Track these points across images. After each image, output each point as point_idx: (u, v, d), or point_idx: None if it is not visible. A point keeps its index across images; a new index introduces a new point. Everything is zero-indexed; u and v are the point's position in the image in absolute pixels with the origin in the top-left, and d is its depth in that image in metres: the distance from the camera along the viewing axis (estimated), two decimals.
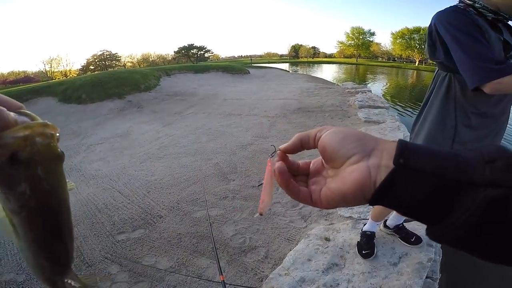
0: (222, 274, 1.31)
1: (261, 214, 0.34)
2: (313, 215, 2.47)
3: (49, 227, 0.33)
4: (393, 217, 1.95)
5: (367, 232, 1.86)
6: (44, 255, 0.36)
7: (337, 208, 2.47)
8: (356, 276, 1.70)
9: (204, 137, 4.73)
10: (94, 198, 2.90)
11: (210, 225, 1.75)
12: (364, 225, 1.94)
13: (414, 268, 1.70)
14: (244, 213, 2.53)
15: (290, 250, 2.02)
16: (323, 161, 0.35)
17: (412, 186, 0.26)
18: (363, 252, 1.81)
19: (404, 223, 1.96)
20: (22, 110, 0.31)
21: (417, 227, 2.03)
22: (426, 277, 1.68)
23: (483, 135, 1.21)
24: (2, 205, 0.31)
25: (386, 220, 2.02)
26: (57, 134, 0.31)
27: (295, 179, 0.36)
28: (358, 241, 1.91)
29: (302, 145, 0.35)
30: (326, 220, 2.40)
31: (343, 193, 0.30)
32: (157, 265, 1.98)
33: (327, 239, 2.06)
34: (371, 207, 1.89)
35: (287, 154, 0.37)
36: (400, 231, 1.95)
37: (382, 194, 0.27)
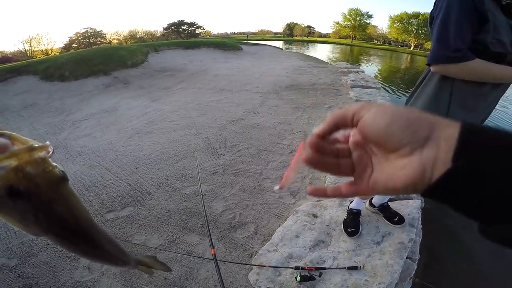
0: (213, 248, 1.28)
1: (281, 188, 0.35)
2: (301, 191, 2.46)
3: (77, 242, 0.34)
4: (380, 196, 1.95)
5: (353, 210, 1.87)
6: (94, 258, 0.40)
7: (325, 185, 2.47)
8: (341, 254, 1.73)
9: (194, 112, 4.62)
10: (81, 176, 2.82)
11: (202, 197, 1.70)
12: (351, 202, 1.93)
13: (396, 248, 1.73)
14: (234, 188, 2.50)
15: (279, 226, 2.02)
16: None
17: (473, 191, 0.21)
18: (349, 230, 1.83)
19: (388, 202, 1.98)
20: None
21: (401, 207, 2.07)
22: (406, 258, 1.72)
23: (474, 117, 1.17)
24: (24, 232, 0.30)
25: (372, 198, 2.03)
26: (50, 152, 0.29)
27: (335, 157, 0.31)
28: (344, 219, 1.92)
29: (337, 127, 0.30)
30: (314, 196, 2.39)
31: (392, 189, 0.26)
32: (147, 243, 1.95)
33: (315, 216, 2.07)
34: None
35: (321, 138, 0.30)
36: (385, 210, 1.97)
37: (436, 193, 0.23)
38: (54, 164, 0.30)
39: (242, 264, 1.75)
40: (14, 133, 0.30)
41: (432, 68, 1.12)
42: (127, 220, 2.17)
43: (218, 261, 1.74)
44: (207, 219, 1.48)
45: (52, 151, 0.30)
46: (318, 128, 0.30)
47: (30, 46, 43.55)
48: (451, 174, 0.21)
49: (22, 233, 2.05)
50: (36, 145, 0.29)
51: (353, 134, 0.31)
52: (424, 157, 0.23)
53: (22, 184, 0.26)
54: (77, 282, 1.68)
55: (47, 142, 0.31)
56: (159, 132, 3.80)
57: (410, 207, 2.08)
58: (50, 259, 1.85)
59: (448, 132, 0.23)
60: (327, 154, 0.31)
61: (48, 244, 1.96)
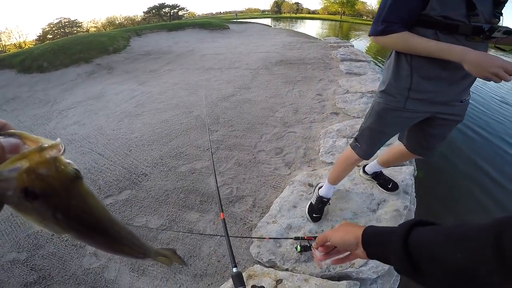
0: (222, 212, 1.26)
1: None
2: (296, 162, 2.47)
3: (98, 238, 0.35)
4: (372, 165, 1.95)
5: (323, 199, 1.76)
6: (116, 252, 0.41)
7: (319, 154, 2.47)
8: (339, 222, 1.73)
9: (183, 91, 4.52)
10: (75, 164, 2.74)
11: (212, 153, 1.68)
12: (320, 188, 1.81)
13: (391, 216, 1.75)
14: (229, 163, 2.49)
15: (276, 197, 2.03)
16: None
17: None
18: (314, 215, 1.76)
19: (382, 170, 1.97)
20: (6, 131, 0.29)
21: (394, 173, 2.07)
22: None
23: (443, 87, 1.13)
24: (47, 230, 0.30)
25: (365, 166, 2.03)
26: (61, 150, 0.29)
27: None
28: (311, 203, 1.83)
29: (323, 243, 0.65)
30: (309, 166, 2.40)
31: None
32: (148, 224, 1.95)
33: (311, 185, 2.08)
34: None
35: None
36: (378, 177, 1.97)
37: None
38: (67, 161, 0.29)
39: (242, 237, 1.77)
40: (24, 132, 0.29)
41: (373, 41, 1.16)
42: (126, 204, 2.16)
43: (219, 235, 1.77)
44: (216, 180, 1.44)
45: (63, 148, 0.29)
46: (315, 246, 0.67)
47: (0, 40, 41.65)
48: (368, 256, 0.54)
49: (27, 226, 2.02)
50: (46, 145, 0.28)
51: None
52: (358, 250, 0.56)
53: (36, 186, 0.26)
54: (86, 270, 1.69)
55: (58, 140, 0.30)
56: (149, 114, 3.72)
57: (403, 173, 2.09)
58: (58, 249, 1.85)
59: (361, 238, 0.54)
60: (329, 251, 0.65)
61: (53, 234, 1.94)
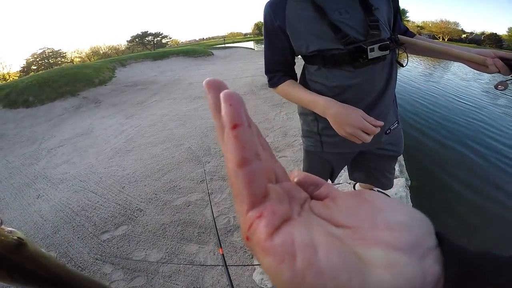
0: (221, 247, 1.32)
1: None
2: None
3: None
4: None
5: None
6: None
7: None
8: None
9: (172, 123, 4.60)
10: (68, 202, 2.76)
11: (209, 194, 1.74)
12: None
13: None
14: (224, 193, 2.55)
15: None
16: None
17: None
18: None
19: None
20: None
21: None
22: None
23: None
24: None
25: (355, 184, 1.98)
26: None
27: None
28: None
29: None
30: None
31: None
32: (148, 258, 1.97)
33: None
34: (348, 180, 1.89)
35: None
36: None
37: None
38: (9, 231, 0.34)
39: (245, 265, 1.80)
40: None
41: None
42: (124, 239, 2.17)
43: (220, 265, 1.80)
44: (214, 217, 1.51)
45: (1, 221, 0.34)
46: None
47: None
48: None
49: None
50: None
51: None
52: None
53: None
54: None
55: None
56: (140, 149, 3.77)
57: (395, 186, 2.06)
58: None
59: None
60: None
61: None
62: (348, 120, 0.80)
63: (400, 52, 0.97)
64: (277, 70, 1.04)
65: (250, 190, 0.17)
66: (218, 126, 0.19)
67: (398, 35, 0.94)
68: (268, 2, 0.94)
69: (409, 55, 0.99)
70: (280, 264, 0.15)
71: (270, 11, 0.93)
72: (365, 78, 0.88)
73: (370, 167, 1.22)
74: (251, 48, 21.46)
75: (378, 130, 0.81)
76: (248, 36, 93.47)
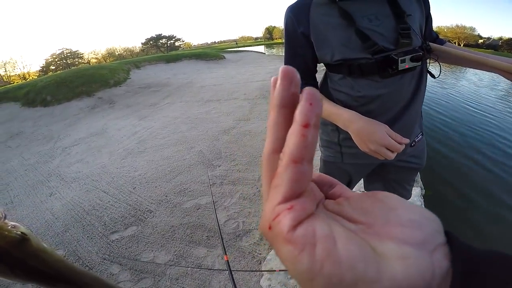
0: (226, 254, 1.31)
1: None
2: None
3: (60, 286, 0.39)
4: None
5: None
6: None
7: None
8: None
9: (184, 126, 4.64)
10: (80, 201, 2.81)
11: (213, 202, 1.74)
12: None
13: None
14: (233, 198, 2.54)
15: None
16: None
17: None
18: None
19: None
20: None
21: None
22: None
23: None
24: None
25: None
26: (1, 218, 0.33)
27: None
28: None
29: None
30: None
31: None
32: (156, 260, 1.97)
33: None
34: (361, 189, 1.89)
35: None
36: None
37: None
38: (12, 225, 0.34)
39: (252, 271, 1.78)
40: None
41: None
42: (133, 240, 2.18)
43: (227, 270, 1.79)
44: (219, 225, 1.51)
45: (4, 216, 0.34)
46: None
47: (5, 71, 42.58)
48: None
49: None
50: None
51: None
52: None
53: None
54: None
55: None
56: (152, 151, 3.81)
57: (411, 195, 2.11)
58: None
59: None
60: None
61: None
62: (372, 137, 0.76)
63: (431, 62, 0.90)
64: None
65: (292, 187, 0.17)
66: (275, 116, 0.19)
67: (430, 43, 0.88)
68: (290, 6, 0.89)
69: (441, 64, 0.93)
70: (301, 253, 0.16)
71: (292, 16, 0.87)
72: (392, 89, 0.83)
73: (390, 179, 1.16)
74: (262, 52, 21.58)
75: (403, 147, 0.76)
76: (259, 40, 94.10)
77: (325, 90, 0.97)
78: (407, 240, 0.17)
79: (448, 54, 0.89)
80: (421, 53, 0.78)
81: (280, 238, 0.17)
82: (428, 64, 0.90)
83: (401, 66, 0.76)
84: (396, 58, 0.76)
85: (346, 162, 1.05)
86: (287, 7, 0.90)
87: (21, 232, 0.34)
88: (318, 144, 1.04)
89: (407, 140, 0.77)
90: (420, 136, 1.02)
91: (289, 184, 0.17)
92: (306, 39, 0.87)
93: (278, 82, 0.18)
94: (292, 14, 0.88)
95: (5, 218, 0.33)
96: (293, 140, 0.17)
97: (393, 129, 0.80)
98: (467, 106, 6.34)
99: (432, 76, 0.91)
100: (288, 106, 0.18)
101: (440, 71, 0.94)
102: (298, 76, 0.18)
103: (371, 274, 0.15)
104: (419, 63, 0.79)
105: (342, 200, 0.21)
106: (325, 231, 0.16)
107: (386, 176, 1.15)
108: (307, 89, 0.17)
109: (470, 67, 0.93)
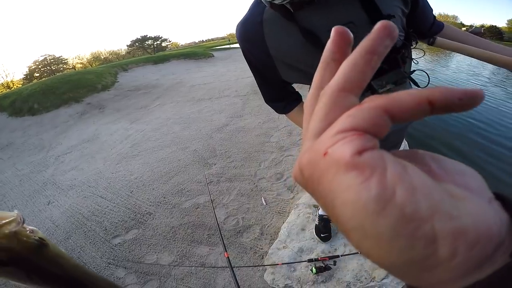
0: (226, 251, 1.33)
1: None
2: (298, 185, 2.55)
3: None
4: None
5: (323, 216, 1.82)
6: None
7: None
8: None
9: (177, 126, 4.63)
10: (78, 208, 2.80)
11: (211, 201, 1.77)
12: (319, 208, 1.87)
13: None
14: (231, 195, 2.57)
15: (283, 223, 2.09)
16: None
17: None
18: (322, 235, 1.79)
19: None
20: None
21: None
22: None
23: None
24: None
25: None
26: (20, 222, 0.33)
27: None
28: (316, 224, 1.88)
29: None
30: None
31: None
32: (160, 261, 1.99)
33: (316, 206, 2.12)
34: None
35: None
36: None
37: None
38: (31, 229, 0.34)
39: (255, 266, 1.81)
40: None
41: None
42: (135, 243, 2.20)
43: (230, 263, 1.82)
44: (218, 222, 1.53)
45: (22, 220, 0.33)
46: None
47: None
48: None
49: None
50: (4, 221, 0.32)
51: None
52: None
53: (3, 255, 0.30)
54: None
55: (15, 212, 0.34)
56: (146, 153, 3.80)
57: None
58: None
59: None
60: None
61: None
62: None
63: (414, 47, 0.82)
64: (279, 98, 0.92)
65: (372, 125, 0.15)
66: (323, 73, 0.18)
67: (438, 38, 0.84)
68: (240, 35, 0.76)
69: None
70: (368, 179, 0.13)
71: (249, 47, 0.77)
72: None
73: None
74: None
75: None
76: None
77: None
78: (467, 186, 0.15)
79: (451, 47, 0.86)
80: (405, 77, 0.70)
81: (341, 163, 0.14)
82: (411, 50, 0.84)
83: (383, 91, 0.67)
84: (375, 87, 0.66)
85: None
86: (235, 28, 0.78)
87: (39, 238, 0.34)
88: None
89: None
90: None
91: (370, 121, 0.15)
92: (271, 68, 0.78)
93: (332, 37, 0.18)
94: (247, 45, 0.77)
95: (23, 222, 0.33)
96: (359, 66, 0.16)
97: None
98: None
99: (417, 85, 0.83)
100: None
101: (429, 81, 0.81)
102: (351, 37, 0.18)
103: (448, 207, 0.13)
104: (404, 83, 0.72)
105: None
106: (394, 160, 0.14)
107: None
108: (380, 26, 0.16)
109: (473, 57, 0.88)
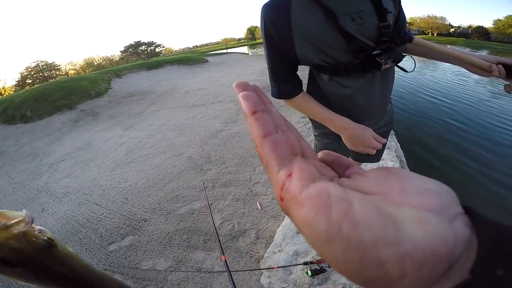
0: (224, 254, 1.35)
1: None
2: None
3: None
4: None
5: None
6: None
7: None
8: None
9: (171, 133, 4.64)
10: (73, 215, 2.80)
11: (209, 205, 1.78)
12: None
13: None
14: (226, 200, 2.59)
15: (278, 226, 2.11)
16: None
17: None
18: None
19: None
20: None
21: None
22: None
23: (365, 117, 1.03)
24: None
25: None
26: (28, 222, 0.32)
27: None
28: None
29: None
30: None
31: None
32: (156, 267, 2.00)
33: None
34: None
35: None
36: None
37: None
38: (39, 229, 0.34)
39: (251, 270, 1.83)
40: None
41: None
42: (131, 249, 2.21)
43: (227, 267, 1.83)
44: (215, 226, 1.55)
45: (31, 220, 0.32)
46: None
47: None
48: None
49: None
50: (13, 221, 0.31)
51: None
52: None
53: (11, 256, 0.30)
54: None
55: (23, 212, 0.33)
56: (141, 160, 3.81)
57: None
58: None
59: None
60: None
61: None
62: (362, 141, 0.91)
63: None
64: (286, 79, 0.96)
65: (276, 154, 0.18)
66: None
67: (415, 38, 0.99)
68: (267, 6, 0.84)
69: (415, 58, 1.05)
70: (317, 214, 0.15)
71: (272, 16, 0.84)
72: (371, 82, 0.93)
73: None
74: (245, 53, 21.61)
75: (381, 146, 0.93)
76: (242, 41, 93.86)
77: (313, 89, 1.04)
78: (426, 207, 0.16)
79: (421, 47, 1.04)
80: (403, 56, 0.86)
81: (294, 202, 0.16)
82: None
83: (384, 67, 0.83)
84: (381, 62, 0.81)
85: (342, 146, 1.09)
86: (262, 5, 0.86)
87: (48, 238, 0.34)
88: (313, 134, 1.14)
89: (385, 140, 0.96)
90: (390, 105, 1.16)
91: (272, 153, 0.18)
92: (288, 39, 0.85)
93: (237, 93, 0.21)
94: (271, 14, 0.84)
95: (32, 222, 0.32)
96: (253, 128, 0.19)
97: (375, 110, 1.01)
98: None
99: (404, 70, 0.99)
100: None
101: (414, 67, 1.02)
102: (247, 84, 0.22)
103: (390, 234, 0.14)
104: (400, 61, 0.89)
105: (356, 176, 0.20)
106: (339, 193, 0.16)
107: None
108: (242, 94, 0.20)
109: (439, 60, 1.07)
